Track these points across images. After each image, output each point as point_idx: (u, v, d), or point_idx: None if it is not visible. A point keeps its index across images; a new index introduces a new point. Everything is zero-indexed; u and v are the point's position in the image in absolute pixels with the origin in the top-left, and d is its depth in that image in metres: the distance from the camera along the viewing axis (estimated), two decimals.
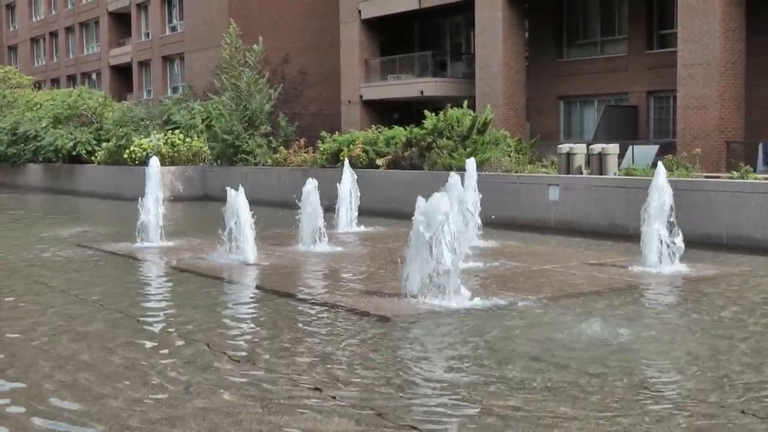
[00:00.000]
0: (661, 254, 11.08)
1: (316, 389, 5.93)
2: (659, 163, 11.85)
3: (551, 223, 16.86)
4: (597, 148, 17.69)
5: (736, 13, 25.92)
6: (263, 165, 25.65)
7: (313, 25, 49.01)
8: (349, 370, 6.44)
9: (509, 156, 19.53)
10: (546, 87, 35.15)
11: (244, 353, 7.03)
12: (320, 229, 13.64)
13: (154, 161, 15.24)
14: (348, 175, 16.92)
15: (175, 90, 50.78)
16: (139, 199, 14.58)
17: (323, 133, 24.41)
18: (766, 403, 5.60)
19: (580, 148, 17.98)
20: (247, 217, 12.11)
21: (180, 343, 7.38)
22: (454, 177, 11.35)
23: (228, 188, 12.26)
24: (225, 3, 47.27)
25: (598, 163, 17.32)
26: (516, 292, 9.51)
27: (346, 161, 17.76)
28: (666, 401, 5.65)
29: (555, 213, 16.84)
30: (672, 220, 11.04)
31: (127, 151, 27.83)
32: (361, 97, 39.99)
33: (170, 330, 7.92)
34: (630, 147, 25.68)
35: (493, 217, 14.17)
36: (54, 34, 71.12)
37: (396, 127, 22.88)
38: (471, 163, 14.53)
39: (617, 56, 32.98)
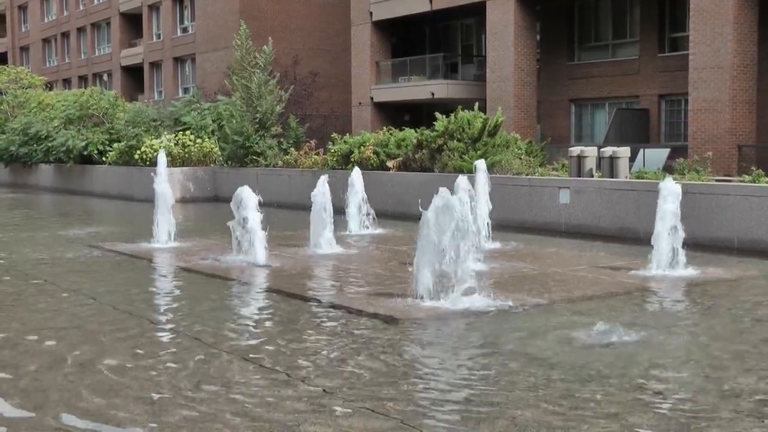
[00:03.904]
0: (672, 258, 11.06)
1: (324, 390, 5.94)
2: (667, 175, 11.80)
3: (562, 226, 16.83)
4: (608, 151, 17.66)
5: (748, 17, 25.87)
6: (274, 166, 25.67)
7: (325, 27, 49.11)
8: (357, 371, 6.44)
9: (520, 159, 19.51)
10: (557, 90, 35.12)
11: (252, 354, 7.03)
12: (330, 230, 13.64)
13: (162, 157, 15.20)
14: (358, 177, 16.93)
15: (186, 91, 50.89)
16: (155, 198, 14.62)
17: (334, 135, 24.41)
18: None
19: (590, 151, 17.95)
20: (257, 219, 12.12)
21: (188, 343, 7.39)
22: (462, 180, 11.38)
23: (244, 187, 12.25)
24: (236, 4, 47.37)
25: (608, 167, 17.29)
26: (526, 294, 9.49)
27: (356, 167, 17.73)
28: (676, 406, 5.63)
29: (565, 216, 16.82)
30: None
31: (138, 151, 27.87)
32: (371, 98, 40.02)
33: (178, 331, 7.93)
34: (641, 150, 25.63)
35: (490, 209, 14.09)
36: (65, 35, 71.34)
37: (407, 129, 22.86)
38: (481, 164, 14.48)
39: (628, 59, 32.94)
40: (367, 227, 16.67)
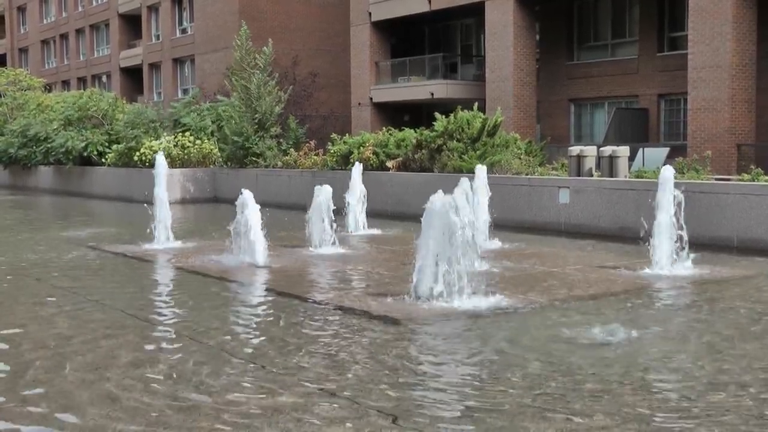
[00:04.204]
0: (671, 257, 11.07)
1: (326, 392, 5.93)
2: (667, 166, 11.80)
3: (561, 225, 16.83)
4: (607, 150, 17.66)
5: (747, 16, 25.88)
6: (273, 167, 25.66)
7: (324, 28, 49.13)
8: (359, 373, 6.44)
9: (519, 158, 19.50)
10: (556, 89, 35.13)
11: (253, 355, 7.03)
12: (330, 231, 13.65)
13: (161, 158, 15.21)
14: (358, 177, 16.94)
15: (185, 92, 50.88)
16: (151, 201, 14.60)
17: (333, 136, 24.42)
18: None
19: (590, 151, 17.95)
20: (257, 220, 12.11)
21: (188, 344, 7.39)
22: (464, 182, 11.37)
23: (243, 191, 12.27)
24: (236, 5, 47.37)
25: (608, 166, 17.28)
26: (526, 294, 9.49)
27: (357, 164, 17.78)
28: (679, 406, 5.63)
29: (565, 216, 16.81)
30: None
31: (137, 153, 27.86)
32: (371, 99, 40.03)
33: (179, 331, 7.92)
34: (640, 149, 25.64)
35: (493, 213, 14.14)
36: (64, 36, 71.34)
37: (406, 129, 22.86)
38: (481, 170, 14.50)
39: (628, 59, 32.95)
40: (367, 227, 16.68)
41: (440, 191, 8.80)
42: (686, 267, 11.05)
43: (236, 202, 12.24)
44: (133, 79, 61.55)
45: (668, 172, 11.29)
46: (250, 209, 12.09)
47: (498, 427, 5.19)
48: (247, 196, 12.10)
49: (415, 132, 21.73)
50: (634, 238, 14.74)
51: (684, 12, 29.06)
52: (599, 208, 16.20)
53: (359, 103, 40.54)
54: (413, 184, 19.82)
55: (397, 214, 19.42)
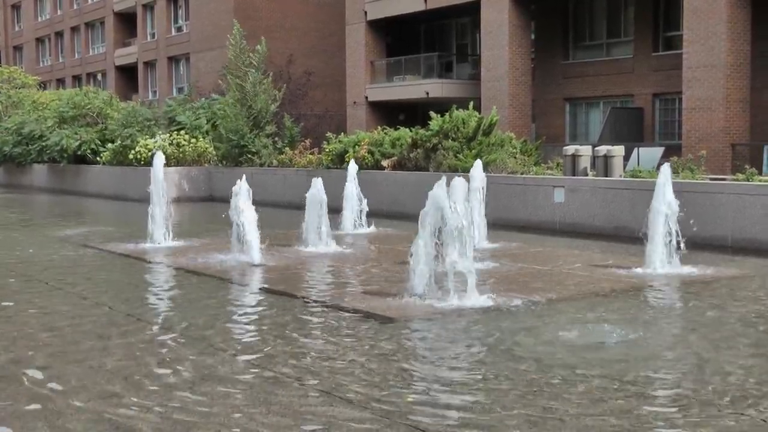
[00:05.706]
0: (665, 256, 11.08)
1: (322, 390, 5.94)
2: (665, 165, 11.82)
3: (556, 225, 16.85)
4: (602, 150, 17.69)
5: (741, 15, 25.93)
6: (269, 166, 25.65)
7: (320, 27, 49.11)
8: (354, 371, 6.44)
9: (514, 157, 19.53)
10: (552, 89, 35.15)
11: (248, 355, 7.03)
12: (325, 230, 13.65)
13: (159, 157, 15.19)
14: (353, 176, 16.95)
15: (180, 90, 50.85)
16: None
17: (329, 134, 24.43)
18: None
19: (585, 150, 17.98)
20: (252, 218, 12.12)
21: (184, 343, 7.39)
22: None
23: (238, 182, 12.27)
24: (231, 4, 47.34)
25: (603, 165, 17.32)
26: (521, 293, 9.49)
27: (352, 162, 17.80)
28: (669, 404, 5.65)
29: (560, 215, 16.84)
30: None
31: (133, 151, 27.83)
32: (366, 98, 40.02)
33: (174, 331, 7.91)
34: (635, 149, 25.67)
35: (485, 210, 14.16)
36: (59, 34, 71.22)
37: (401, 128, 22.87)
38: (478, 166, 14.51)
39: (623, 58, 32.99)
40: (363, 226, 16.68)
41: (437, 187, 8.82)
42: (679, 266, 11.07)
43: (232, 190, 12.24)
44: (128, 77, 61.47)
45: (665, 174, 11.30)
46: (245, 206, 12.10)
47: (490, 426, 5.21)
48: (242, 190, 12.12)
49: (411, 131, 21.74)
50: (629, 237, 14.79)
51: (679, 12, 29.11)
52: (594, 207, 16.23)
53: (354, 102, 40.54)
54: (408, 184, 19.84)
55: (392, 214, 19.42)
